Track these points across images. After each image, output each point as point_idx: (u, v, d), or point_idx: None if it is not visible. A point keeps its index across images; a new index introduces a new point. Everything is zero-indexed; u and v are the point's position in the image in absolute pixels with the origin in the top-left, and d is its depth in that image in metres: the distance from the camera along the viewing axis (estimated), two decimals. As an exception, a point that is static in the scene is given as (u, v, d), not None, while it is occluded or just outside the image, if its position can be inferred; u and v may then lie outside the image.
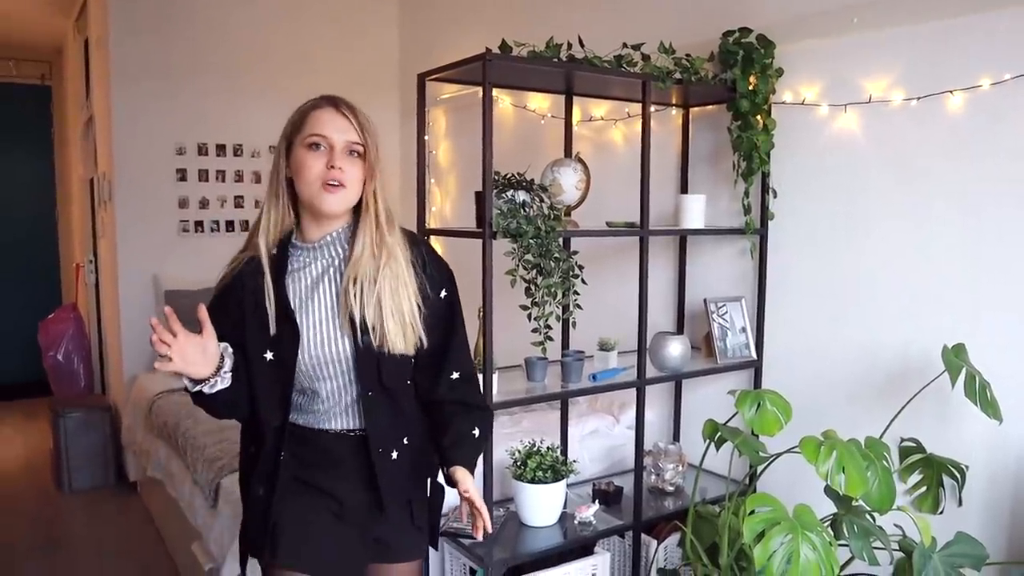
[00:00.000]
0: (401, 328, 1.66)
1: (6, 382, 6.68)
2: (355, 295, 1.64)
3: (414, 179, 2.59)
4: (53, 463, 4.74)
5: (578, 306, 2.43)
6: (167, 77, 4.49)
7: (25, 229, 6.95)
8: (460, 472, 1.70)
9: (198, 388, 1.56)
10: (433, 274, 1.74)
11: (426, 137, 4.65)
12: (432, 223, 4.74)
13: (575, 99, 2.98)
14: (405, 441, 1.76)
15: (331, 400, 1.69)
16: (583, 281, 2.41)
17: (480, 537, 1.73)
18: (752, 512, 1.72)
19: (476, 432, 1.78)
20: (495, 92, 3.95)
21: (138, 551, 3.80)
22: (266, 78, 4.64)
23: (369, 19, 5.09)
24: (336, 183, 1.61)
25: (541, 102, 3.75)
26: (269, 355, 1.65)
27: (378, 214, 1.68)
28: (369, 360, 1.67)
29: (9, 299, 6.82)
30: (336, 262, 1.70)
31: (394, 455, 1.74)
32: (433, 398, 1.77)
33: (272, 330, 1.63)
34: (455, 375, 1.76)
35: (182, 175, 4.59)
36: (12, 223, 6.89)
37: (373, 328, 1.64)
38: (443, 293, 1.76)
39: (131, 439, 4.29)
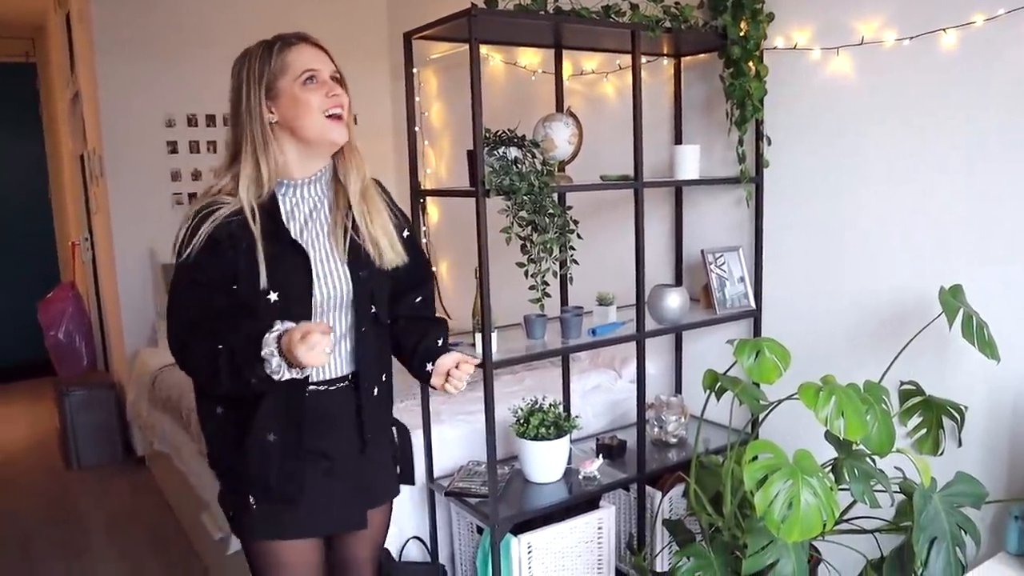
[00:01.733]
0: (391, 243, 1.79)
1: (9, 363, 6.70)
2: (350, 223, 1.74)
3: (415, 138, 2.57)
4: (60, 441, 4.78)
5: (575, 261, 2.42)
6: (152, 49, 4.43)
7: (19, 209, 6.93)
8: (443, 357, 1.86)
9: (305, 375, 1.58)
10: (397, 213, 1.89)
11: (417, 99, 4.63)
12: (428, 184, 4.72)
13: (566, 53, 2.94)
14: (384, 378, 1.87)
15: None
16: (579, 236, 2.39)
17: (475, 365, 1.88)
18: (753, 459, 1.73)
19: (440, 341, 1.91)
20: (485, 50, 3.93)
21: (149, 524, 3.84)
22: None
23: (354, -19, 5.01)
24: (341, 109, 1.69)
25: (532, 58, 3.71)
26: (273, 296, 1.64)
27: (354, 142, 1.79)
28: (365, 292, 1.77)
29: (7, 280, 6.82)
30: (322, 200, 1.77)
31: (375, 392, 1.84)
32: (397, 315, 1.92)
33: (264, 283, 1.62)
34: (419, 299, 1.97)
35: (173, 147, 4.55)
36: (5, 203, 6.87)
37: (374, 246, 1.75)
38: (406, 233, 1.90)
39: (136, 414, 4.31)
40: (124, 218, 4.47)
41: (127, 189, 4.45)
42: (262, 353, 1.51)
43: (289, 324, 1.54)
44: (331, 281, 1.72)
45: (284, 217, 1.71)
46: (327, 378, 1.76)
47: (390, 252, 1.78)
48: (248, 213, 1.63)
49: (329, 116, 1.68)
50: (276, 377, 1.53)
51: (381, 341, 1.86)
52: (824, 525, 1.70)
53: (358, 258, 1.75)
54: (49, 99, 6.79)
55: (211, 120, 4.61)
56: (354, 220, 1.75)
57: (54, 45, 6.09)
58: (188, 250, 1.62)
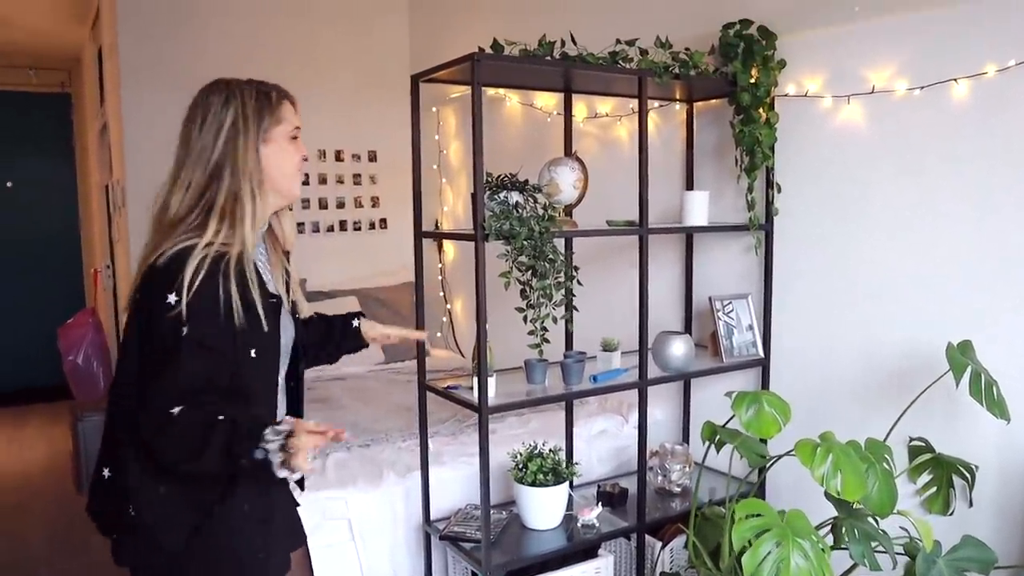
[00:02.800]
0: (303, 294, 1.87)
1: (30, 386, 6.78)
2: (288, 276, 1.78)
3: (425, 179, 2.57)
4: (74, 465, 4.79)
5: (575, 308, 2.40)
6: (176, 82, 4.46)
7: (49, 236, 7.06)
8: (367, 325, 2.01)
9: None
10: None
11: (436, 137, 4.67)
12: (445, 223, 4.73)
13: (580, 96, 2.94)
14: None
15: (275, 390, 1.73)
16: (579, 282, 2.37)
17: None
18: (742, 519, 1.68)
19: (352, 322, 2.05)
20: (502, 91, 3.95)
21: (153, 554, 3.83)
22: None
23: (378, 17, 5.07)
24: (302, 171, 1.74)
25: (548, 100, 3.72)
26: (252, 352, 1.60)
27: None
28: (300, 338, 1.83)
29: (34, 304, 6.93)
30: (264, 250, 1.76)
31: None
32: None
33: (264, 327, 1.60)
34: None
35: (193, 180, 4.60)
36: (37, 230, 7.00)
37: (296, 297, 1.80)
38: None
39: (147, 442, 4.33)
40: (142, 248, 4.52)
41: (147, 220, 4.48)
42: (267, 445, 1.44)
43: (291, 421, 1.49)
44: (287, 331, 1.75)
45: (259, 267, 1.67)
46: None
47: (303, 302, 1.85)
48: (250, 264, 1.59)
49: (299, 174, 1.73)
50: (271, 470, 1.45)
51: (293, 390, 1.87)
52: (816, 589, 1.65)
53: (292, 308, 1.80)
54: (82, 129, 6.94)
55: (232, 153, 4.67)
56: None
57: (87, 77, 6.23)
58: (199, 301, 1.51)
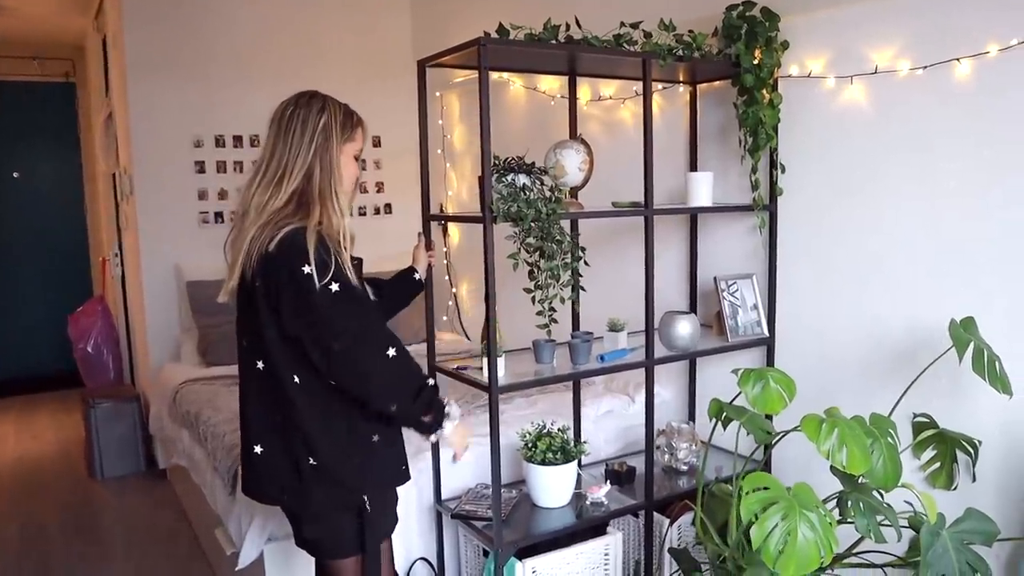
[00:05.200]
0: None
1: (41, 374, 6.84)
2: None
3: (429, 164, 2.60)
4: (86, 452, 4.85)
5: (582, 288, 2.43)
6: (182, 70, 4.53)
7: (56, 225, 7.09)
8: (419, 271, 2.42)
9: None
10: None
11: (440, 121, 4.69)
12: (450, 207, 4.75)
13: (584, 79, 2.95)
14: None
15: None
16: (586, 263, 2.40)
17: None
18: (749, 492, 1.72)
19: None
20: (506, 75, 3.96)
21: (167, 536, 3.88)
22: (279, 67, 4.67)
23: (381, 5, 5.08)
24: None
25: (551, 83, 3.74)
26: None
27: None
28: None
29: (43, 293, 6.98)
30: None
31: None
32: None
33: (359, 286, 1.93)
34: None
35: (200, 167, 4.63)
36: (44, 219, 7.03)
37: None
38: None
39: (158, 427, 4.37)
40: (151, 235, 4.56)
41: (155, 207, 4.53)
42: (446, 423, 1.99)
43: (457, 415, 2.04)
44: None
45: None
46: None
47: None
48: (345, 239, 1.89)
49: (354, 185, 2.02)
50: (436, 428, 1.98)
51: None
52: (821, 560, 1.68)
53: None
54: (87, 118, 6.95)
55: (238, 140, 4.69)
56: None
57: (92, 66, 6.25)
58: (329, 265, 1.80)
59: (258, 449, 1.94)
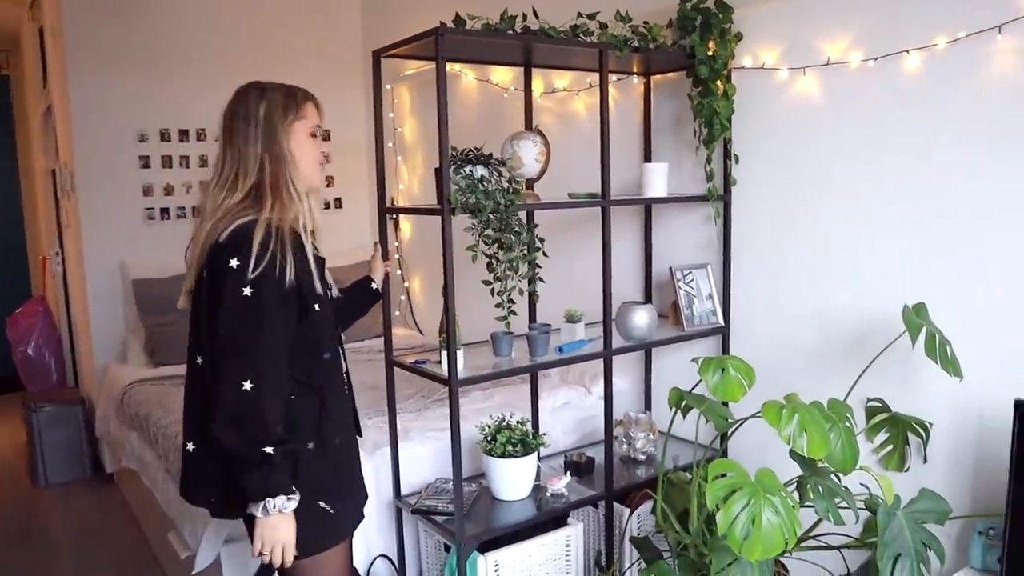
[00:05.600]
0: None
1: (-21, 378, 6.62)
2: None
3: (384, 157, 2.56)
4: (28, 458, 4.71)
5: (541, 279, 2.42)
6: (125, 63, 4.41)
7: (-9, 223, 6.87)
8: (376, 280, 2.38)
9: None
10: None
11: (391, 115, 4.64)
12: (400, 200, 4.72)
13: (538, 71, 2.94)
14: None
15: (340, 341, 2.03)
16: (544, 254, 2.40)
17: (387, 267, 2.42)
18: (716, 478, 1.73)
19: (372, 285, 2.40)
20: (458, 67, 3.94)
21: (117, 541, 3.79)
22: (226, 60, 4.58)
23: (330, -2, 5.02)
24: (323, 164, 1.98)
25: (504, 75, 3.72)
26: (316, 307, 1.84)
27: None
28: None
29: (-22, 294, 6.75)
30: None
31: None
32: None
33: (318, 284, 1.85)
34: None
35: (145, 162, 4.52)
36: (-24, 217, 6.81)
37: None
38: None
39: (105, 430, 4.26)
40: (95, 233, 4.43)
41: (98, 204, 4.41)
42: (275, 499, 1.69)
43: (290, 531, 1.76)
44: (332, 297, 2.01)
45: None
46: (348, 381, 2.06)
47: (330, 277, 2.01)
48: (305, 233, 1.83)
49: (320, 166, 1.95)
50: (255, 506, 1.70)
51: None
52: (786, 543, 1.70)
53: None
54: (22, 112, 6.74)
55: (184, 135, 4.59)
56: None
57: (28, 58, 6.05)
58: (265, 265, 1.71)
59: (190, 446, 1.86)
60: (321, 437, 1.86)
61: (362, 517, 2.09)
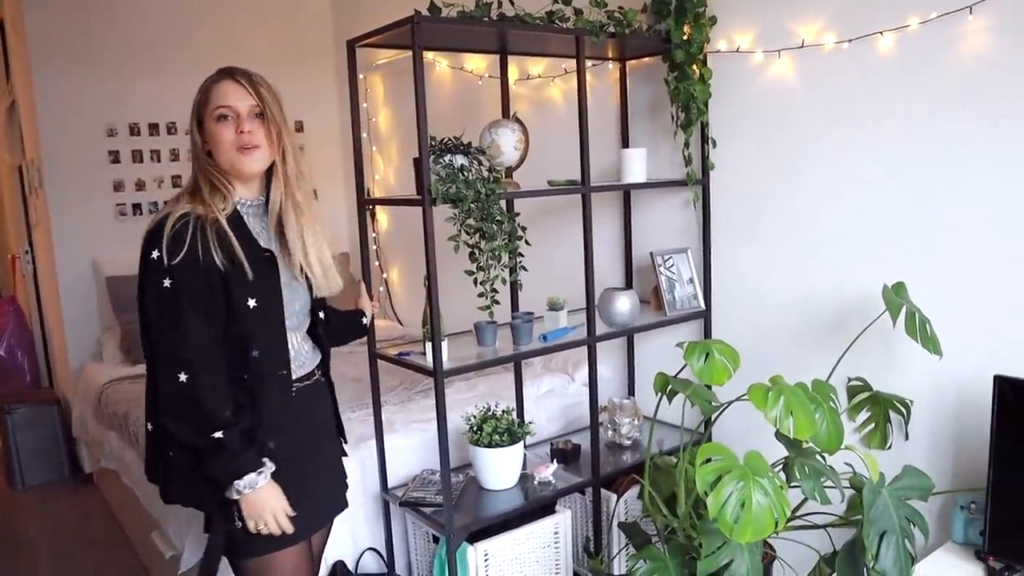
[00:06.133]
0: (324, 273, 1.94)
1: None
2: (290, 244, 1.87)
3: (361, 147, 2.54)
4: (4, 460, 4.64)
5: (523, 268, 2.42)
6: (91, 57, 4.33)
7: (-45, 222, 6.73)
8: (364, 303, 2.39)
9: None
10: None
11: (364, 105, 4.60)
12: (376, 191, 4.68)
13: (513, 58, 2.93)
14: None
15: (284, 340, 1.88)
16: (527, 243, 2.39)
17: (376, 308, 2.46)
18: (705, 462, 1.74)
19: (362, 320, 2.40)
20: (431, 55, 3.91)
21: (98, 543, 3.74)
22: (194, 52, 4.50)
23: (298, -14, 4.96)
24: (249, 145, 1.79)
25: (478, 63, 3.70)
26: (251, 302, 1.77)
27: (287, 173, 1.86)
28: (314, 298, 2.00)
29: (-55, 296, 6.62)
30: (265, 222, 1.90)
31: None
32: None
33: (250, 275, 1.76)
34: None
35: (115, 157, 4.45)
36: (-59, 217, 6.66)
37: (304, 273, 1.91)
38: None
39: (82, 430, 4.21)
40: (65, 230, 4.36)
41: (68, 200, 4.34)
42: (242, 479, 1.70)
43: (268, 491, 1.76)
44: (297, 293, 1.93)
45: (251, 229, 1.84)
46: (303, 374, 1.95)
47: (323, 281, 1.95)
48: (231, 225, 1.77)
49: (240, 149, 1.79)
50: (228, 490, 1.72)
51: (320, 341, 2.07)
52: (776, 524, 1.72)
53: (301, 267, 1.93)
54: (-15, 109, 6.59)
55: (154, 128, 4.52)
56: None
57: (-12, 53, 5.91)
58: (180, 257, 1.68)
59: (150, 426, 1.85)
60: (251, 437, 1.77)
61: (323, 523, 2.06)
